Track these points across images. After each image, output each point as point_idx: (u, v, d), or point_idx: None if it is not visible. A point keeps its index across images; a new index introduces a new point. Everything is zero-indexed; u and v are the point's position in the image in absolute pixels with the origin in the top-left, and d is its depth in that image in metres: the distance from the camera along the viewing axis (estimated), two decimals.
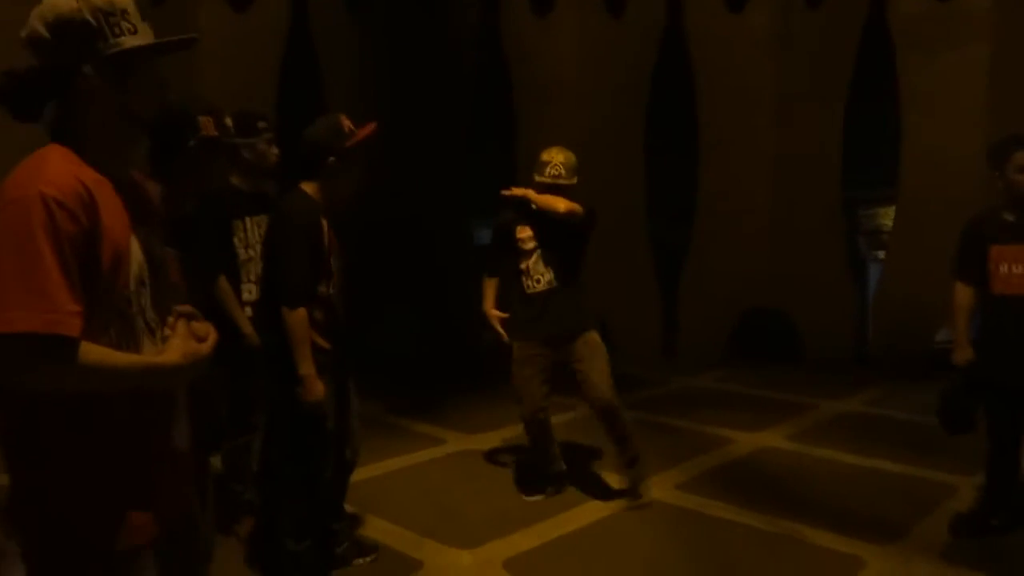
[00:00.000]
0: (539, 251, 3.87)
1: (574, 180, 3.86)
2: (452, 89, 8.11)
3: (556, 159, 3.84)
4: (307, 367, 2.84)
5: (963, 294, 3.51)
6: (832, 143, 7.40)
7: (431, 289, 8.04)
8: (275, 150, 3.49)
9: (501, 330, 4.03)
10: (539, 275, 3.87)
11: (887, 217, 8.66)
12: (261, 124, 3.43)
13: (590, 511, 3.88)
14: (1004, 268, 3.31)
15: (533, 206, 3.80)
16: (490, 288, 4.15)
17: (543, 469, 4.15)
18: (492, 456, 4.80)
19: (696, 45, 7.61)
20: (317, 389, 2.86)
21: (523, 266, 3.90)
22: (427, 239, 8.00)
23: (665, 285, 7.92)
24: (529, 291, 3.89)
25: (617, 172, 7.50)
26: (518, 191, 3.87)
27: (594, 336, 3.90)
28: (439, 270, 8.09)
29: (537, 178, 3.85)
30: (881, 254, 8.34)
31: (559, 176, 3.81)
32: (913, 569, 3.23)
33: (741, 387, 6.65)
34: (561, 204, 3.73)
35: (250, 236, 3.40)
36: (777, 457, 4.78)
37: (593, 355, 3.85)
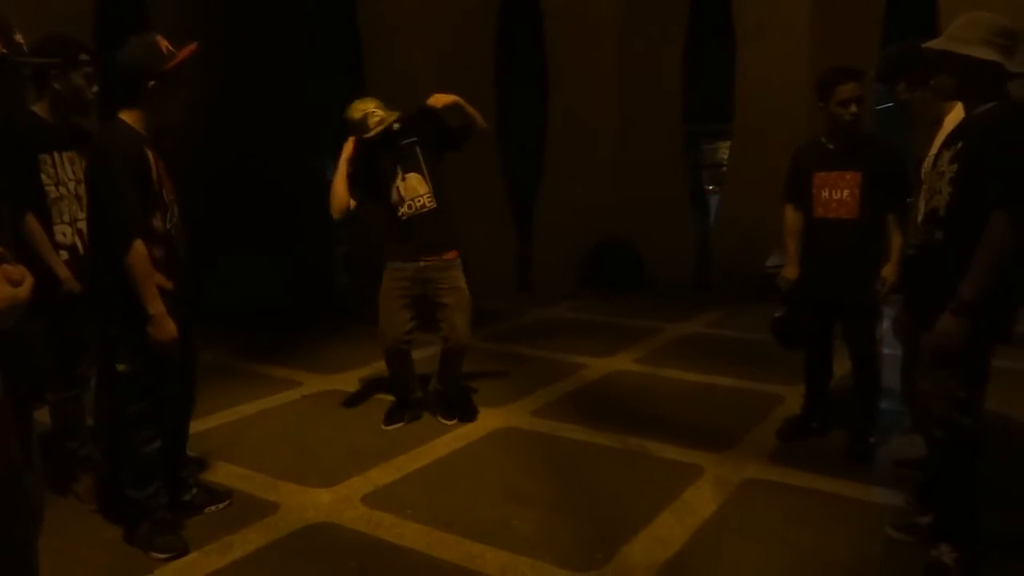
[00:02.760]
0: (406, 172, 3.94)
1: (397, 113, 3.91)
2: (291, 19, 7.72)
3: (368, 108, 3.87)
4: (155, 305, 2.70)
5: (791, 217, 3.77)
6: (672, 76, 7.65)
7: (281, 231, 7.76)
8: (95, 88, 3.14)
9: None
10: (411, 197, 3.94)
11: (727, 151, 9.11)
12: (83, 56, 3.07)
13: (447, 442, 3.94)
14: (825, 193, 3.57)
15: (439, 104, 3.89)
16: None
17: (401, 398, 4.26)
18: (349, 395, 4.75)
19: None
20: (168, 327, 2.73)
21: (393, 194, 3.96)
22: (274, 178, 7.68)
23: (518, 219, 8.03)
24: (402, 215, 3.97)
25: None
26: (443, 98, 3.88)
27: (461, 280, 4.03)
28: (289, 210, 7.81)
29: (367, 136, 3.87)
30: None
31: (382, 120, 3.85)
32: (745, 472, 3.52)
33: (593, 315, 6.91)
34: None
35: (60, 172, 3.08)
36: (626, 379, 5.03)
37: (460, 299, 3.99)
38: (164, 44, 2.75)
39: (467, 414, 4.22)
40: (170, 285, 2.80)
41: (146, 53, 2.72)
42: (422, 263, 3.95)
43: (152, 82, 2.71)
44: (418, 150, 3.92)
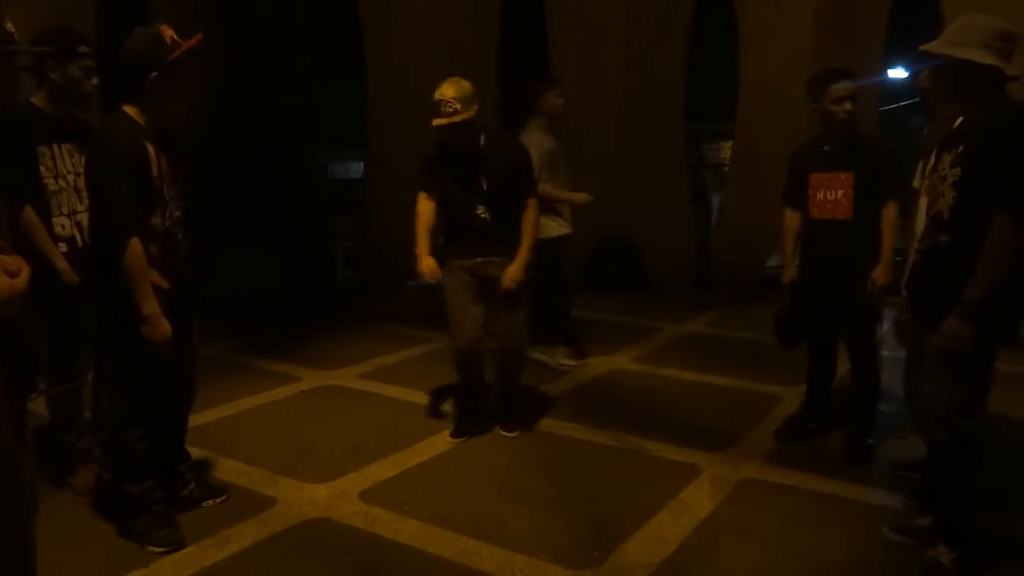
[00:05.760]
0: (476, 196, 3.74)
1: (473, 111, 3.59)
2: (292, 11, 7.72)
3: (447, 94, 3.56)
4: (150, 305, 2.65)
5: (790, 219, 3.77)
6: (676, 75, 7.63)
7: (282, 226, 7.76)
8: (95, 81, 3.13)
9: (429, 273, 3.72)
10: (474, 214, 3.75)
11: (730, 151, 9.09)
12: (82, 48, 3.06)
13: (445, 439, 3.93)
14: (820, 194, 3.57)
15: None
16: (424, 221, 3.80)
17: (470, 407, 4.01)
18: (348, 391, 4.75)
19: None
20: (163, 328, 2.69)
21: (461, 207, 3.76)
22: (275, 172, 7.68)
23: None
24: (464, 226, 3.78)
25: None
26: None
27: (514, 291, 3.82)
28: (290, 205, 7.81)
29: (436, 121, 3.58)
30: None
31: (455, 112, 3.55)
32: (743, 472, 3.52)
33: (593, 313, 6.86)
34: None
35: (60, 165, 3.07)
36: (625, 378, 5.02)
37: (513, 305, 3.80)
38: (169, 34, 2.70)
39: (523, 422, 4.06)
40: (166, 283, 2.76)
41: (149, 45, 2.68)
42: (480, 259, 3.78)
43: (155, 74, 2.67)
44: (491, 181, 3.72)
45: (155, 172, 2.72)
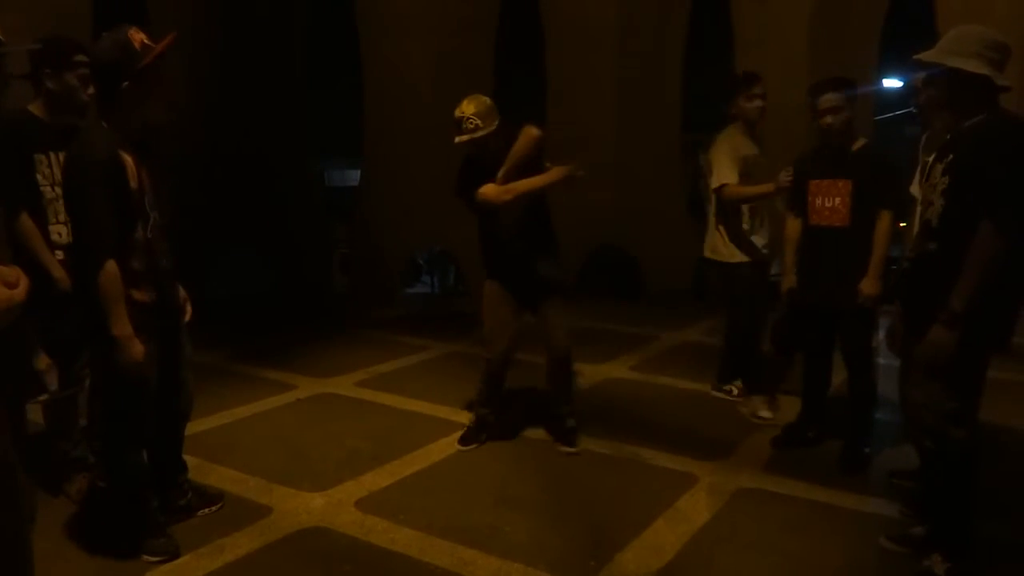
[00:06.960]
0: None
1: (494, 125, 3.60)
2: (289, 19, 7.74)
3: (467, 111, 3.56)
4: (121, 327, 2.56)
5: (791, 226, 3.78)
6: (672, 84, 7.67)
7: (278, 232, 7.76)
8: (91, 89, 3.13)
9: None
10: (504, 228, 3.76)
11: None
12: (78, 57, 3.04)
13: (441, 447, 3.93)
14: (818, 201, 3.60)
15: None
16: None
17: (482, 417, 4.02)
18: (344, 399, 4.75)
19: None
20: (135, 350, 2.58)
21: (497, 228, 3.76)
22: (271, 179, 7.68)
23: None
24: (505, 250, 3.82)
25: None
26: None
27: (559, 297, 3.88)
28: (286, 212, 7.82)
29: (458, 139, 3.59)
30: None
31: (477, 128, 3.55)
32: (740, 480, 3.51)
33: (588, 322, 6.87)
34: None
35: (56, 173, 3.05)
36: (621, 387, 5.02)
37: (559, 310, 3.84)
38: (138, 38, 2.57)
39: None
40: (147, 298, 2.69)
41: (118, 52, 2.56)
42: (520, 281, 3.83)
43: (126, 83, 2.56)
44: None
45: (134, 184, 2.61)
